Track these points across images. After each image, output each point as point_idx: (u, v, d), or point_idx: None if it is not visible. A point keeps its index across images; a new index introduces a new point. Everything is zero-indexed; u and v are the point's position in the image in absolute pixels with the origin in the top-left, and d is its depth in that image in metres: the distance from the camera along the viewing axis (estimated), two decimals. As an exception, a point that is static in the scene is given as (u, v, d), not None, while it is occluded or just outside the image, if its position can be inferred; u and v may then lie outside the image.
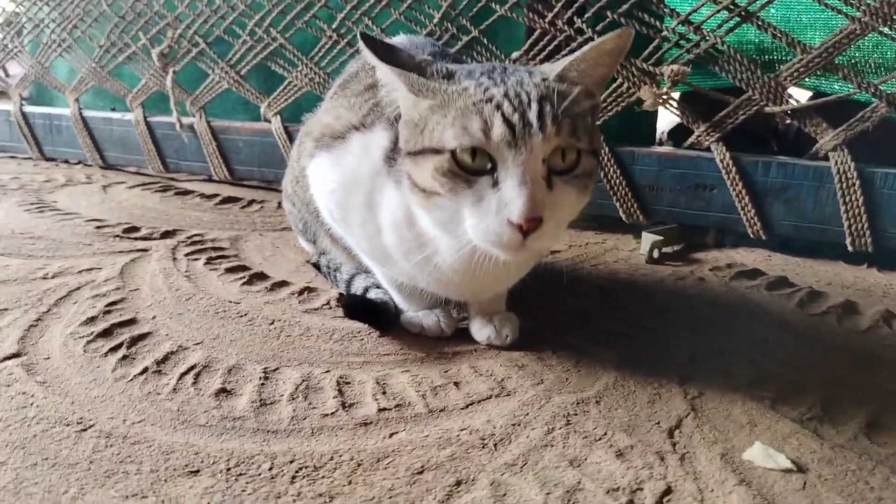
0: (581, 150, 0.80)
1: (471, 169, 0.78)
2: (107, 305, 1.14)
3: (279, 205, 2.01)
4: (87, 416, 0.82)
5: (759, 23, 1.53)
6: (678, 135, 2.14)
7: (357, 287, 1.20)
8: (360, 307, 1.10)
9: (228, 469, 0.73)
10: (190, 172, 2.36)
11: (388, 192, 0.94)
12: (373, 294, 1.16)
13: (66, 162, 2.62)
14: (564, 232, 0.85)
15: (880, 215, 1.50)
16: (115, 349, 1.00)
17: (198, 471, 0.73)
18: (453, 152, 0.78)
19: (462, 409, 0.88)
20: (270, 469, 0.74)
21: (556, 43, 1.71)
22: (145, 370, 0.94)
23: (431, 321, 1.09)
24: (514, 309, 1.12)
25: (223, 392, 0.89)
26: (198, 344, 1.03)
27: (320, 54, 2.01)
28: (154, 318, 1.12)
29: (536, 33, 1.73)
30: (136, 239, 1.55)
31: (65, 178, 2.28)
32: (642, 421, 0.85)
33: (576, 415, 0.86)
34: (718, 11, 1.56)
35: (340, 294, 1.21)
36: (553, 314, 1.20)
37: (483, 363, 1.01)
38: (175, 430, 0.80)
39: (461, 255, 0.86)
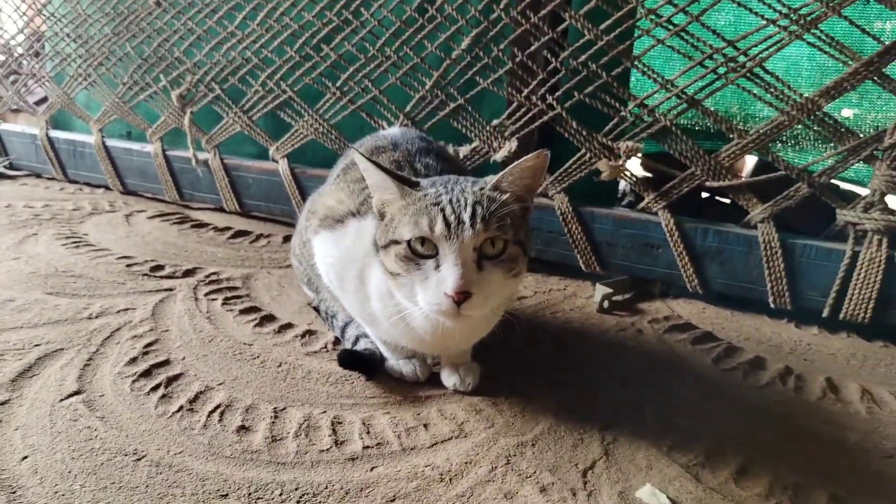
0: (507, 240, 1.07)
1: (420, 254, 1.06)
2: (144, 346, 1.39)
3: (284, 239, 2.26)
4: (140, 448, 1.07)
5: (703, 109, 1.78)
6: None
7: (350, 335, 1.45)
8: (351, 359, 1.35)
9: (249, 494, 0.98)
10: (203, 202, 2.60)
11: (375, 270, 1.19)
12: (362, 343, 1.40)
13: (89, 185, 2.86)
14: (506, 299, 1.16)
15: (799, 279, 1.75)
16: (155, 388, 1.24)
17: (227, 495, 0.97)
18: (409, 241, 1.06)
19: (428, 447, 1.13)
20: (280, 495, 0.98)
21: (530, 114, 1.96)
22: (181, 408, 1.18)
23: (409, 369, 1.34)
24: (479, 356, 1.36)
25: (243, 428, 1.14)
26: (220, 384, 1.27)
27: (325, 107, 2.25)
28: (184, 358, 1.36)
29: (514, 105, 1.98)
30: (161, 278, 1.80)
31: (90, 205, 2.51)
32: (564, 462, 1.09)
33: (515, 455, 1.11)
34: (668, 98, 1.81)
35: (341, 349, 1.45)
36: (510, 361, 1.44)
37: (448, 407, 1.26)
38: (207, 460, 1.05)
39: (427, 320, 1.12)
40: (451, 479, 1.04)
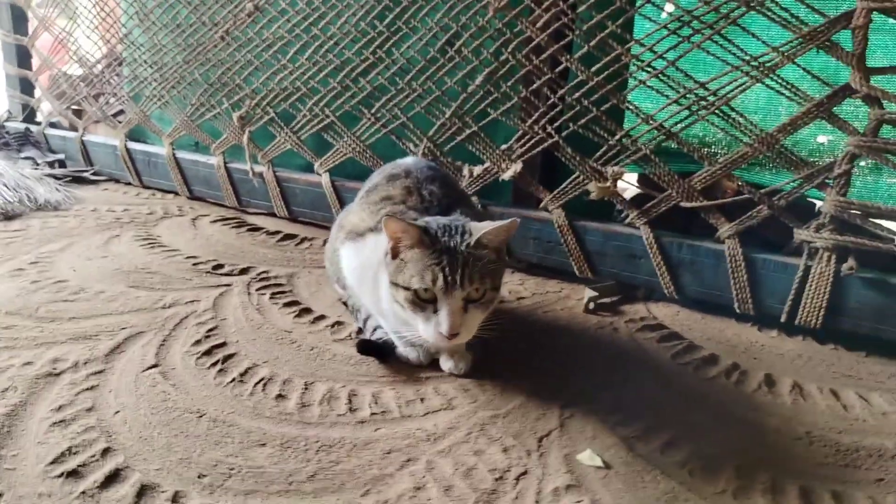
0: (487, 289, 1.39)
1: (424, 299, 1.38)
2: (207, 332, 1.70)
3: (324, 243, 2.55)
4: (202, 408, 1.37)
5: (678, 140, 2.01)
6: (640, 200, 2.61)
7: (370, 326, 1.73)
8: (369, 346, 1.63)
9: (282, 444, 1.27)
10: (258, 208, 2.93)
11: (385, 277, 1.47)
12: (378, 333, 1.68)
13: (160, 191, 3.22)
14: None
15: (760, 288, 1.97)
16: (214, 364, 1.54)
17: (265, 444, 1.27)
18: (416, 290, 1.38)
19: (422, 416, 1.40)
20: (304, 446, 1.27)
21: (534, 141, 2.22)
22: (234, 380, 1.48)
23: (414, 355, 1.61)
24: (474, 347, 1.63)
25: (280, 396, 1.43)
26: (265, 362, 1.57)
27: (361, 130, 2.54)
28: (237, 341, 1.67)
29: (520, 132, 2.24)
30: (221, 275, 2.12)
31: (162, 210, 2.87)
32: (527, 431, 1.36)
33: (488, 424, 1.38)
34: (649, 130, 2.04)
35: (359, 338, 1.72)
36: (500, 352, 1.70)
37: (443, 386, 1.53)
38: (252, 419, 1.34)
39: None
40: (435, 440, 1.32)
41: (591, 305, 2.05)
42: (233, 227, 2.69)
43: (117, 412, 1.33)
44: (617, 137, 2.08)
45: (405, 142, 2.46)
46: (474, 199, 2.34)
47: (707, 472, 1.26)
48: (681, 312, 2.09)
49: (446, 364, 1.60)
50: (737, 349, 1.85)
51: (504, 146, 2.28)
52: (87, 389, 1.40)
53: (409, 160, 1.85)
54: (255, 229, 2.68)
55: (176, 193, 3.17)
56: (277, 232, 2.64)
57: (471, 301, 1.40)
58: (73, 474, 1.14)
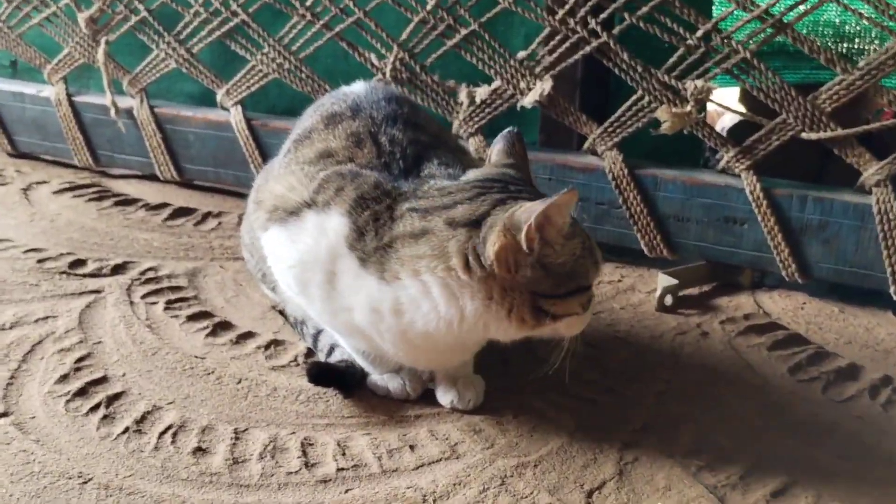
0: None
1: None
2: (75, 362, 1.95)
3: (240, 219, 2.80)
4: (85, 471, 1.61)
5: (796, 35, 2.26)
6: (742, 132, 2.86)
7: (324, 344, 1.98)
8: (325, 374, 1.88)
9: (210, 515, 1.53)
10: (127, 167, 3.17)
11: (364, 281, 1.67)
12: (338, 353, 1.93)
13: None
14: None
15: (930, 261, 2.23)
16: (94, 409, 1.79)
17: (186, 516, 1.52)
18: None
19: (413, 469, 1.65)
20: (244, 516, 1.53)
21: (568, 43, 2.45)
22: (127, 429, 1.73)
23: (397, 385, 1.86)
24: (485, 367, 1.87)
25: (199, 450, 1.68)
26: (170, 403, 1.82)
27: (290, 34, 2.76)
28: (124, 375, 1.92)
29: (546, 31, 2.47)
30: (84, 276, 2.37)
31: (-30, 176, 3.12)
32: (569, 483, 1.61)
33: (512, 476, 1.63)
34: (749, 20, 2.28)
35: (310, 362, 1.96)
36: (528, 373, 1.95)
37: (442, 427, 1.78)
38: (161, 483, 1.59)
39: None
40: (434, 501, 1.57)
41: (668, 300, 2.31)
42: (90, 199, 2.95)
43: (-41, 482, 1.58)
44: (700, 33, 2.31)
45: (363, 51, 2.70)
46: (478, 140, 2.58)
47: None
48: (808, 304, 2.35)
49: (446, 396, 1.85)
50: (890, 357, 2.11)
51: (523, 53, 2.52)
52: None
53: (357, 88, 2.02)
54: (127, 202, 2.94)
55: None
56: (163, 206, 2.91)
57: None
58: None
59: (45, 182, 3.10)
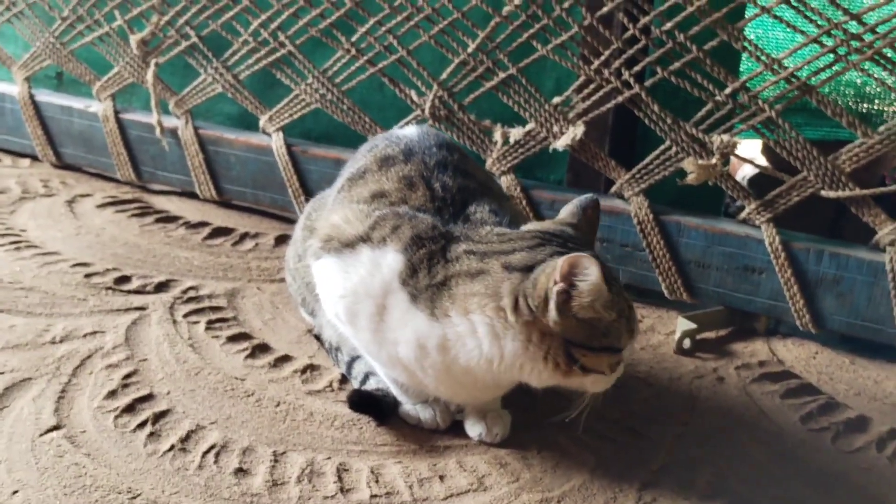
0: None
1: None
2: (123, 378, 2.04)
3: (276, 241, 2.91)
4: (134, 487, 1.70)
5: (819, 97, 2.35)
6: (763, 181, 2.95)
7: (358, 372, 2.07)
8: (363, 402, 1.98)
9: (252, 535, 1.62)
10: (168, 184, 3.27)
11: (413, 317, 1.75)
12: (373, 382, 2.03)
13: (8, 153, 3.55)
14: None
15: (940, 320, 2.32)
16: (142, 425, 1.88)
17: (230, 535, 1.62)
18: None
19: (443, 499, 1.74)
20: (284, 538, 1.62)
21: (602, 92, 2.54)
22: (172, 447, 1.82)
23: (428, 415, 1.96)
24: (513, 402, 1.96)
25: (240, 471, 1.77)
26: (213, 423, 1.92)
27: (335, 68, 2.86)
28: (168, 393, 2.01)
29: (581, 79, 2.57)
30: (129, 293, 2.47)
31: (19, 186, 3.22)
32: (589, 522, 1.71)
33: (535, 512, 1.73)
34: (776, 82, 2.38)
35: (346, 387, 2.07)
36: (550, 410, 2.02)
37: (470, 459, 1.88)
38: (206, 501, 1.68)
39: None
40: (461, 531, 1.67)
41: (687, 343, 2.40)
42: (132, 214, 3.06)
43: (16, 492, 1.66)
44: (728, 91, 2.41)
45: (403, 88, 2.79)
46: (509, 179, 2.67)
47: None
48: (819, 354, 2.44)
49: (475, 429, 1.95)
50: (900, 409, 2.20)
51: (557, 99, 2.61)
52: (-30, 460, 1.74)
53: (410, 132, 2.12)
54: (169, 219, 3.05)
55: (35, 158, 3.52)
56: (203, 224, 3.01)
57: None
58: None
59: (88, 195, 3.20)
